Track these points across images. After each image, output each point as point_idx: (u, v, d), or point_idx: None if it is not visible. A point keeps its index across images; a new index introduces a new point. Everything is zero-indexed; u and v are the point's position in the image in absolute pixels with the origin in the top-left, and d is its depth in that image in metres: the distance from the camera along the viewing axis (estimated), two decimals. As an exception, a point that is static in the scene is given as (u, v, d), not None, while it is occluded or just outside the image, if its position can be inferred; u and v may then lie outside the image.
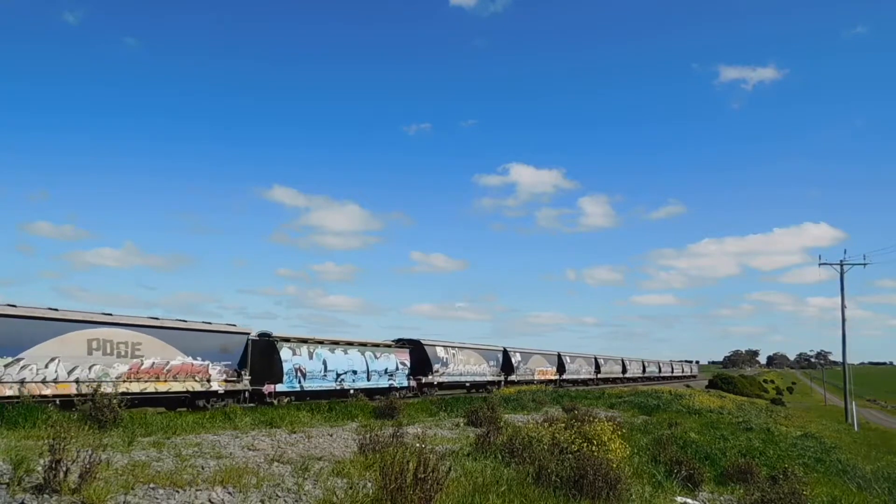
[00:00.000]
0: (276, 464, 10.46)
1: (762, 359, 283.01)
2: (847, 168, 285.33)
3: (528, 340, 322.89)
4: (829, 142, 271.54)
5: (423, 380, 34.98)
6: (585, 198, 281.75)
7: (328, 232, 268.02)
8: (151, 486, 8.06)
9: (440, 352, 37.50)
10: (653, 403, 32.59)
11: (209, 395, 23.04)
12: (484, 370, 42.41)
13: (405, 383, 33.38)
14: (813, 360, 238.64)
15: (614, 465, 10.75)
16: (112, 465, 8.90)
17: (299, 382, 26.86)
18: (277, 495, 8.38)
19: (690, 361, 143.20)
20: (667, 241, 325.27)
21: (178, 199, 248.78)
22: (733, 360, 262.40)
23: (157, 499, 7.64)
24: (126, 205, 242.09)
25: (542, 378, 50.92)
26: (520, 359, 48.28)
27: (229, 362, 23.97)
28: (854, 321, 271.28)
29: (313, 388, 27.47)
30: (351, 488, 8.67)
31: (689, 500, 12.20)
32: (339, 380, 28.99)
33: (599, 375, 65.35)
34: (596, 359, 66.45)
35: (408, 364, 33.86)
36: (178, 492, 7.99)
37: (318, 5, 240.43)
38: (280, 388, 25.79)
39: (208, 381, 22.93)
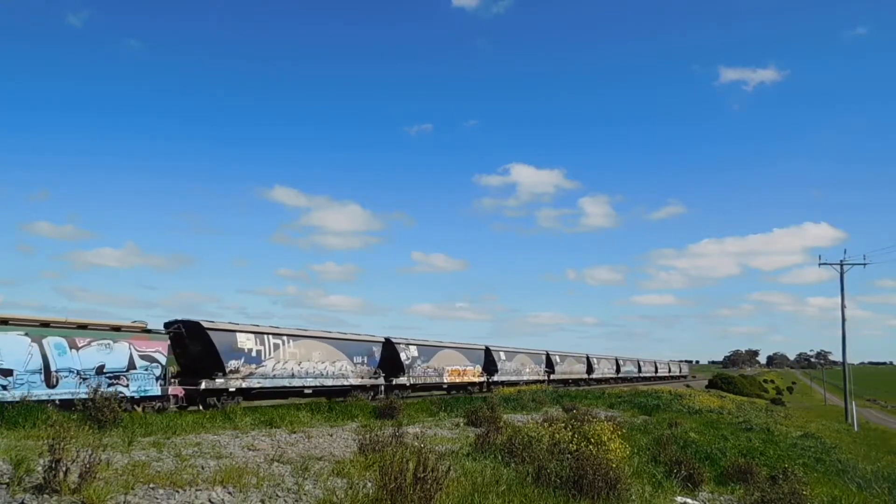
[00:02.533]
0: (276, 464, 10.46)
1: (762, 359, 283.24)
2: (847, 168, 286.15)
3: (529, 341, 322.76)
4: (830, 142, 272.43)
5: (205, 385, 21.89)
6: (586, 198, 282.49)
7: (329, 232, 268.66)
8: (151, 486, 8.06)
9: (244, 341, 23.83)
10: (653, 403, 32.61)
11: None
12: (343, 370, 28.46)
13: (155, 390, 20.20)
14: (813, 360, 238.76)
15: (614, 465, 10.74)
16: (112, 465, 8.90)
17: None
18: (277, 495, 8.38)
19: (690, 361, 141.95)
20: (667, 242, 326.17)
21: (179, 200, 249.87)
22: (733, 359, 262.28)
23: (157, 499, 7.64)
24: (127, 205, 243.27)
25: (458, 380, 38.54)
26: (416, 354, 34.73)
27: None
28: (854, 321, 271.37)
29: None
30: (351, 488, 8.67)
31: (689, 500, 12.19)
32: None
33: (553, 376, 53.00)
34: (548, 355, 53.64)
35: (161, 360, 20.73)
36: (178, 492, 7.99)
37: (319, 6, 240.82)
38: None
39: None
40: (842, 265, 48.91)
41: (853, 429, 41.92)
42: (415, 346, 35.26)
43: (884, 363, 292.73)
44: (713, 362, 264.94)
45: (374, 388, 30.69)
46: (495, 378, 42.85)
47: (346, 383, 28.78)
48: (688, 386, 69.94)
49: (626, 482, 10.58)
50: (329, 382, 27.74)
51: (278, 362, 25.34)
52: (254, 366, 24.12)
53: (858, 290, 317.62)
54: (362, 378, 29.96)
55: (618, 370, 72.27)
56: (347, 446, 12.96)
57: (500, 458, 12.11)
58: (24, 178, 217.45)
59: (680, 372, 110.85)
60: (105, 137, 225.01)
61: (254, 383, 24.04)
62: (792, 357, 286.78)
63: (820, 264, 50.00)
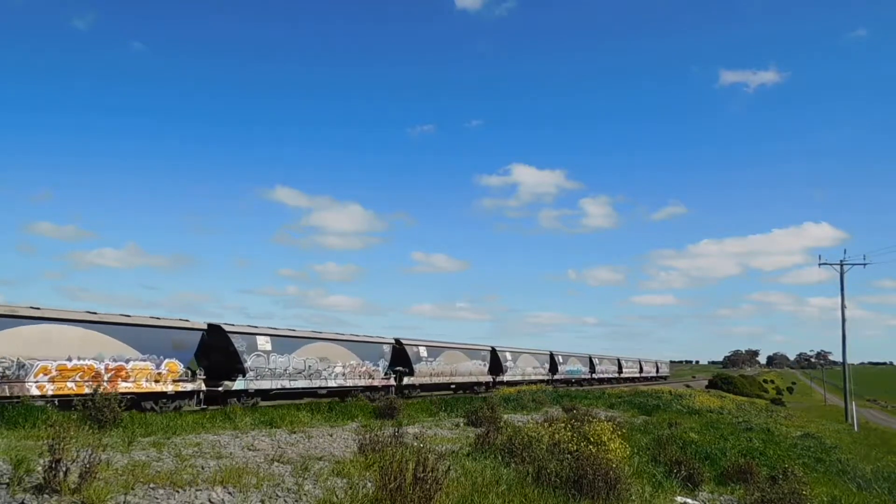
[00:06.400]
0: (276, 464, 10.45)
1: (762, 359, 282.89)
2: (847, 168, 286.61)
3: (528, 341, 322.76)
4: (830, 142, 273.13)
5: None
6: (587, 198, 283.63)
7: (330, 232, 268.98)
8: (151, 486, 8.06)
9: None
10: (653, 403, 32.61)
11: None
12: None
13: None
14: (813, 360, 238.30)
15: (614, 465, 10.74)
16: (112, 465, 8.90)
17: None
18: (277, 495, 8.38)
19: (691, 361, 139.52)
20: (667, 242, 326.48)
21: (181, 200, 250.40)
22: (733, 360, 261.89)
23: (157, 499, 7.64)
24: (129, 205, 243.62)
25: (145, 389, 19.70)
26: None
27: None
28: (854, 321, 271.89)
29: None
30: (351, 488, 8.68)
31: (689, 500, 12.19)
32: None
33: (411, 379, 33.48)
34: (399, 345, 33.32)
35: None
36: (178, 492, 7.99)
37: (322, 6, 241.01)
38: None
39: None
40: (842, 265, 48.91)
41: (853, 429, 41.89)
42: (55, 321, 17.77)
43: (884, 363, 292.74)
44: (713, 362, 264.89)
45: None
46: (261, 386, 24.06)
47: None
48: (687, 386, 69.87)
49: (626, 482, 10.58)
50: None
51: None
52: None
53: (858, 290, 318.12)
54: None
55: (553, 369, 53.35)
56: (347, 446, 12.95)
57: (500, 458, 12.09)
58: (27, 178, 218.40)
59: (657, 372, 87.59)
60: (107, 138, 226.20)
61: None
62: (792, 357, 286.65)
63: (820, 264, 50.05)
